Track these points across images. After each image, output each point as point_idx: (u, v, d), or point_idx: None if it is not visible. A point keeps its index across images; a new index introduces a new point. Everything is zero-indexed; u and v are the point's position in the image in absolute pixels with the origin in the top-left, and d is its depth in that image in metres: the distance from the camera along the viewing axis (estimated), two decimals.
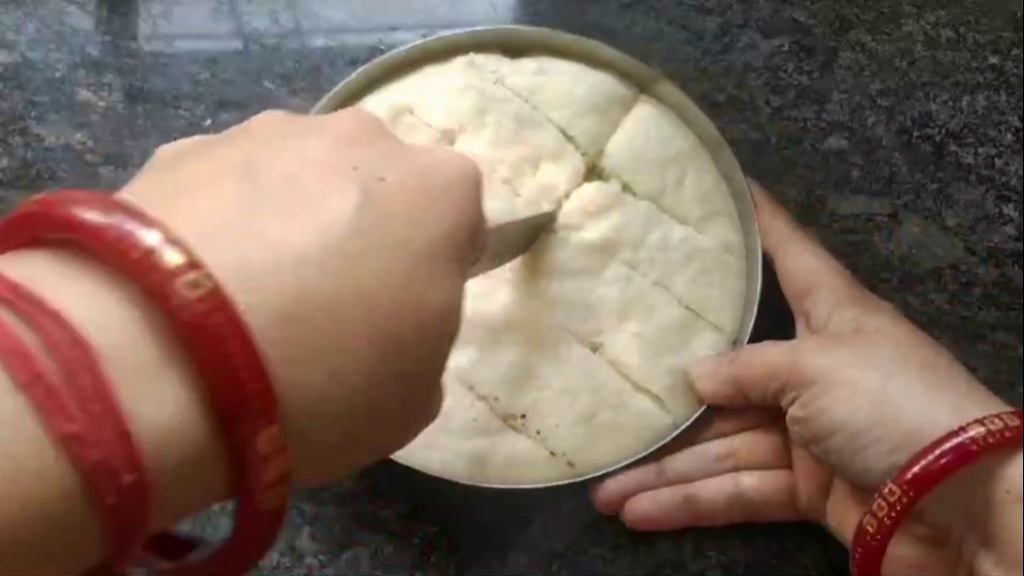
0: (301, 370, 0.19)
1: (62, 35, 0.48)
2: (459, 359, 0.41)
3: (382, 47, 0.46)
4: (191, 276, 0.18)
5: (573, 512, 0.42)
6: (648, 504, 0.40)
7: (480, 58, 0.45)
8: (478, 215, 0.26)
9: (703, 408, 0.41)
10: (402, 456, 0.39)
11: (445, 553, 0.41)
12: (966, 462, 0.32)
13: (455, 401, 0.40)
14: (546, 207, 0.43)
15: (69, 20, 0.48)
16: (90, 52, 0.48)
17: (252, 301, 0.19)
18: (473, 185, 0.26)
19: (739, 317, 0.43)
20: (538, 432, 0.41)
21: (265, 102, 0.47)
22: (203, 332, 0.18)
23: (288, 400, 0.19)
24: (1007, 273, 0.47)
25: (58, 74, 0.47)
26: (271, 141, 0.24)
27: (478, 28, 0.46)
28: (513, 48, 0.46)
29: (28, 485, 0.16)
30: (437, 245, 0.23)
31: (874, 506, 0.33)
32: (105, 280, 0.18)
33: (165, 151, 0.24)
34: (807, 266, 0.41)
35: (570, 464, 0.41)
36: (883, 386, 0.35)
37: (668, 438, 0.41)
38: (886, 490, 0.33)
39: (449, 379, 0.40)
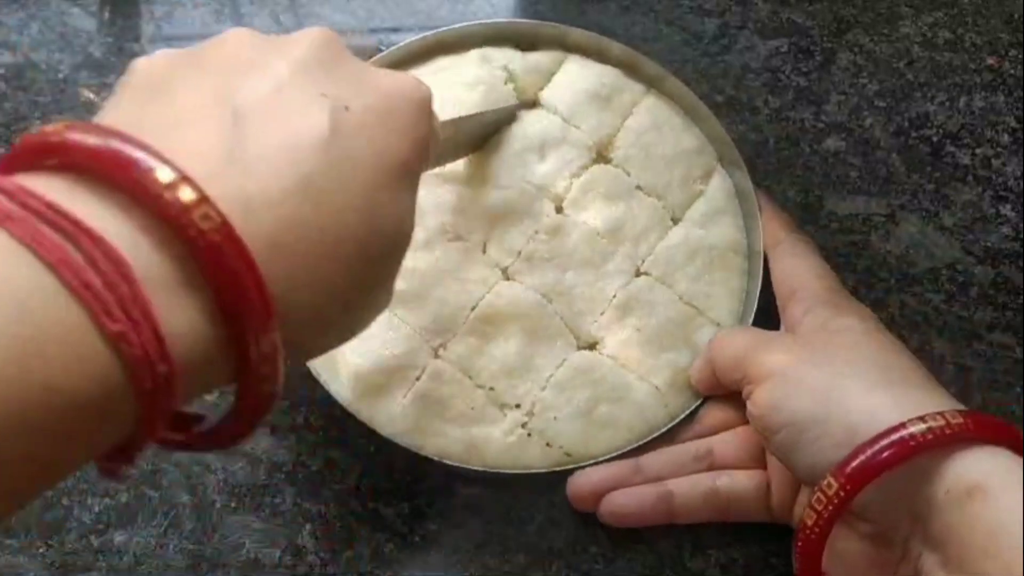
0: (291, 284, 0.24)
1: (65, 36, 0.48)
2: (459, 348, 0.41)
3: (383, 48, 0.46)
4: (203, 210, 0.22)
5: (572, 511, 0.42)
6: (623, 499, 0.40)
7: (492, 52, 0.46)
8: (428, 132, 0.30)
9: (699, 402, 0.42)
10: (402, 440, 0.40)
11: (445, 552, 0.41)
12: (904, 458, 0.32)
13: (453, 389, 0.41)
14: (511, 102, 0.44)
15: (72, 21, 0.49)
16: (93, 53, 0.48)
17: (250, 231, 0.23)
18: (425, 105, 0.30)
19: (740, 313, 0.44)
20: (535, 422, 0.41)
21: None
22: (218, 258, 0.22)
23: (281, 309, 0.23)
24: (1004, 273, 0.47)
25: (61, 75, 0.48)
26: (242, 68, 0.27)
27: (491, 20, 0.46)
28: (525, 42, 0.47)
29: (84, 375, 0.20)
30: (395, 168, 0.27)
31: (813, 499, 0.33)
32: (124, 207, 0.22)
33: (141, 67, 0.27)
34: (792, 270, 0.41)
35: (567, 455, 0.41)
36: (831, 383, 0.35)
37: (663, 429, 0.41)
38: (824, 483, 0.33)
39: (449, 367, 0.41)
